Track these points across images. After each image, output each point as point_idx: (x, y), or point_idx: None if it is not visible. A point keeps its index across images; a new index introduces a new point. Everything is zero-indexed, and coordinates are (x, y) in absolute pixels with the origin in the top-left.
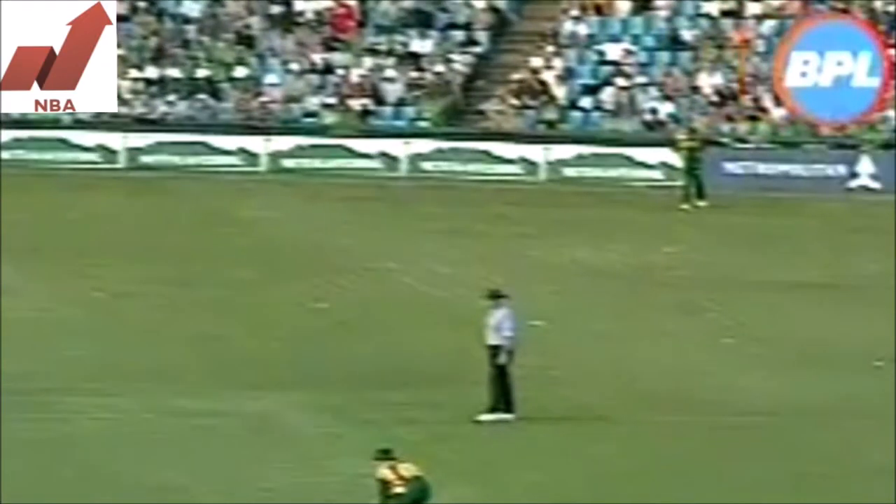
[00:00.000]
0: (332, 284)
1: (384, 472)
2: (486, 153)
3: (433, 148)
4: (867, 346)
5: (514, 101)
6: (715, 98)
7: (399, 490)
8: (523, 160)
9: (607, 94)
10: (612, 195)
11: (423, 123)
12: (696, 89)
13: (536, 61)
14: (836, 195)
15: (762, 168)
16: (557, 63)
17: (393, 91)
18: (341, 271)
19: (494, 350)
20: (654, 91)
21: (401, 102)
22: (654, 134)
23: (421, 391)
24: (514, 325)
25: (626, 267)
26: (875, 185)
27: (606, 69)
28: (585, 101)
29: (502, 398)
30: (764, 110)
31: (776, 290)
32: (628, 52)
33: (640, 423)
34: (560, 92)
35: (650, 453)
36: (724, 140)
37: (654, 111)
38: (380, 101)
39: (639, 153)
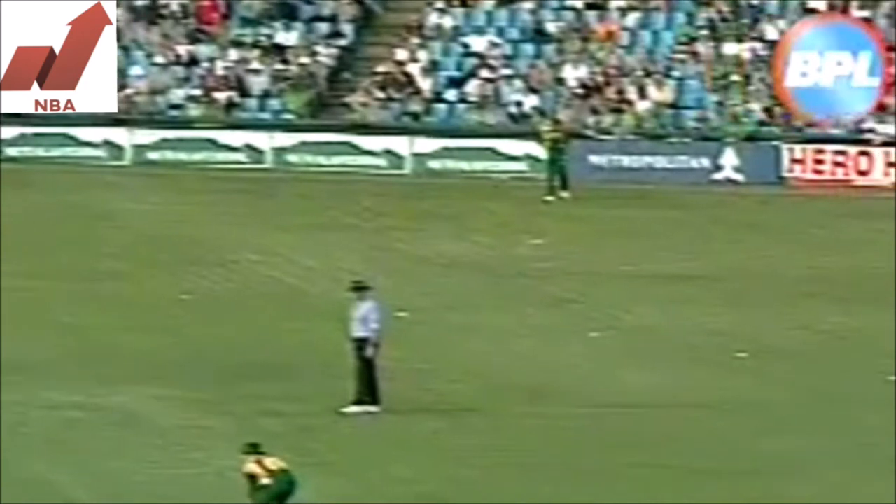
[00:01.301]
0: (197, 277)
1: (250, 466)
2: (351, 146)
3: (298, 140)
4: (729, 337)
5: (379, 94)
6: (579, 90)
7: (265, 482)
8: (388, 153)
9: (472, 87)
10: (478, 187)
11: (287, 116)
12: (560, 81)
13: (401, 54)
14: (700, 187)
15: (626, 160)
16: (422, 55)
17: (258, 83)
18: (206, 264)
19: (360, 343)
20: (518, 83)
21: (266, 95)
22: (519, 126)
23: (287, 383)
24: (379, 317)
25: (491, 259)
26: (738, 177)
27: (471, 61)
28: (450, 94)
29: (368, 390)
30: (629, 102)
31: (641, 282)
32: (493, 45)
33: (505, 415)
34: (425, 84)
35: (515, 446)
36: (589, 132)
37: (518, 103)
38: (245, 93)
39: (503, 145)
